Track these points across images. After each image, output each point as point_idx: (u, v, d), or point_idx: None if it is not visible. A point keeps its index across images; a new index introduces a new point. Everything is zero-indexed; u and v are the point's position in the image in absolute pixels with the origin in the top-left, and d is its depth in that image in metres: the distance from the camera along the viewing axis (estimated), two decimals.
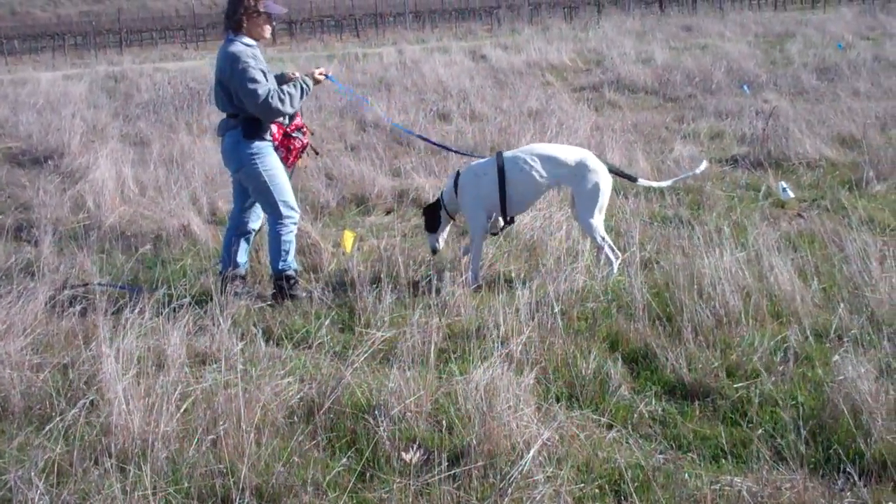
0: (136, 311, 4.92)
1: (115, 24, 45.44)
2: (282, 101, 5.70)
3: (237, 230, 6.30)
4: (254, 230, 6.39)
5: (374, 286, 5.74)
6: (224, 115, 5.97)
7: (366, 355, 4.71)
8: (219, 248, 6.82)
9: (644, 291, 5.31)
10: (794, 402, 4.17)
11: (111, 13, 58.61)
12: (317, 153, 6.75)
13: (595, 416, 4.26)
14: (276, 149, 5.96)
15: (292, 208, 6.02)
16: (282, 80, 6.05)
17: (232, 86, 5.71)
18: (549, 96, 14.47)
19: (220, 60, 5.79)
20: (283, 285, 6.00)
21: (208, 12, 54.33)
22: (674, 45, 22.89)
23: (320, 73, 6.15)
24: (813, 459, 3.78)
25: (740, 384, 4.39)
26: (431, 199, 8.26)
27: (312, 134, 6.41)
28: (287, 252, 6.01)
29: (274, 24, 6.03)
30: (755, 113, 11.54)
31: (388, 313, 5.47)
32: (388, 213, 8.40)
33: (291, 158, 6.10)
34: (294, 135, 6.05)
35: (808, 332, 4.77)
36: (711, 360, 4.61)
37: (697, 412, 4.29)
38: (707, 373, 4.50)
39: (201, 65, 24.32)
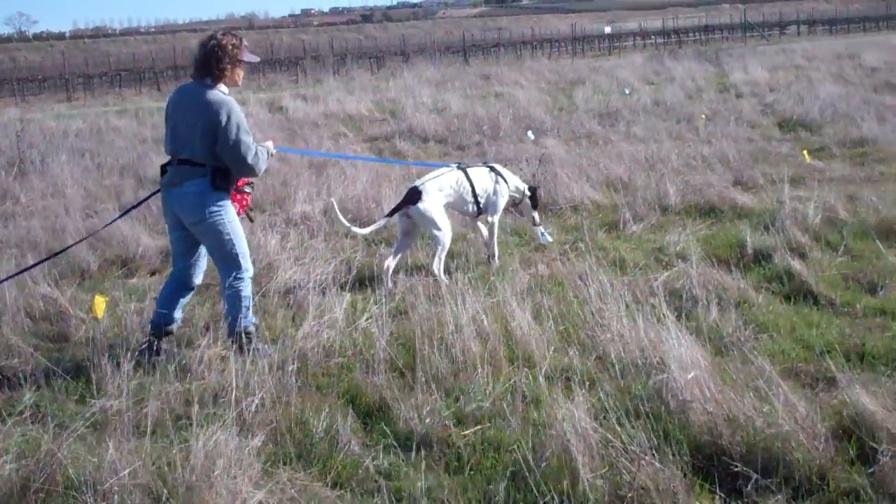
0: None
1: None
2: (262, 160, 5.71)
3: (181, 284, 6.02)
4: (196, 285, 6.14)
5: (117, 353, 5.49)
6: (170, 163, 5.74)
7: (86, 426, 4.48)
8: None
9: (383, 343, 5.30)
10: (515, 446, 4.23)
11: None
12: (252, 210, 6.45)
13: (321, 476, 4.19)
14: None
15: (250, 262, 5.90)
16: None
17: (223, 136, 5.52)
18: (340, 147, 14.53)
19: (203, 106, 5.56)
20: (243, 343, 5.66)
21: (10, 66, 51.64)
22: (470, 94, 23.53)
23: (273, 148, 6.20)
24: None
25: (467, 431, 4.42)
26: None
27: (253, 189, 6.24)
28: (248, 308, 5.82)
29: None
30: (531, 159, 11.92)
31: (126, 381, 5.23)
32: (152, 274, 8.13)
33: (240, 213, 5.97)
34: (245, 189, 5.97)
35: (540, 375, 4.86)
36: (442, 409, 4.63)
37: (424, 463, 4.27)
38: (436, 422, 4.51)
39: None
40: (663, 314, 5.06)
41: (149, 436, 4.40)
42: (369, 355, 5.37)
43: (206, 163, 5.62)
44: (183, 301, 6.12)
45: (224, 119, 5.52)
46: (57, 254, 7.14)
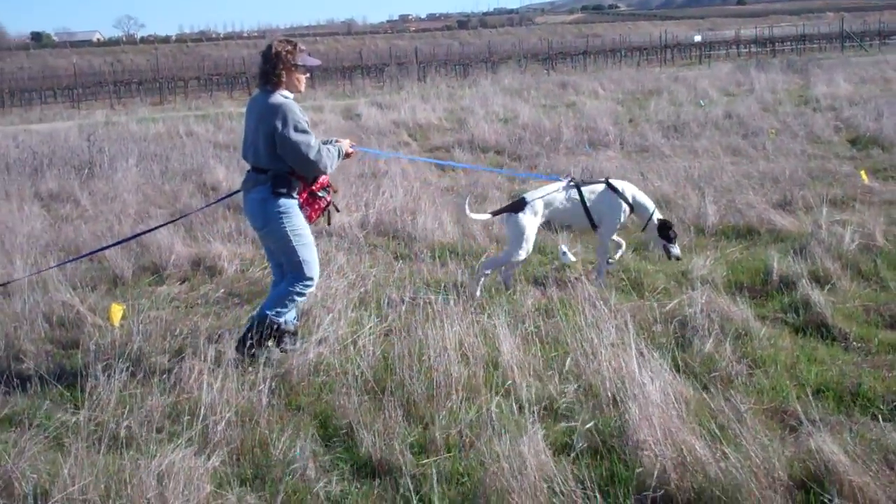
0: None
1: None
2: (328, 156, 5.79)
3: (283, 279, 6.11)
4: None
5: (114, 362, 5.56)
6: (248, 170, 5.91)
7: (57, 437, 4.54)
8: None
9: (363, 364, 5.26)
10: (466, 479, 4.13)
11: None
12: (337, 210, 6.59)
13: (271, 499, 4.16)
14: (301, 207, 5.91)
15: (314, 270, 5.95)
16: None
17: (279, 137, 5.64)
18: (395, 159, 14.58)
19: (262, 113, 5.73)
20: (262, 331, 5.81)
21: (110, 69, 53.47)
22: (544, 103, 23.36)
23: (351, 146, 6.26)
24: None
25: (425, 461, 4.35)
26: (228, 266, 8.22)
27: (336, 192, 6.35)
28: (287, 307, 5.91)
29: (308, 75, 6.06)
30: (584, 170, 11.74)
31: (115, 391, 5.30)
32: (182, 282, 8.26)
33: (315, 217, 6.07)
34: (319, 194, 6.02)
35: (514, 404, 4.74)
36: (407, 435, 4.56)
37: (377, 491, 4.21)
38: (395, 449, 4.44)
39: (71, 125, 23.95)
40: (645, 347, 4.88)
41: (121, 449, 4.43)
42: (350, 376, 5.34)
43: (268, 168, 5.74)
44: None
45: (280, 122, 5.62)
46: (73, 259, 7.29)
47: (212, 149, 16.84)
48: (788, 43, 58.66)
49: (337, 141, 6.16)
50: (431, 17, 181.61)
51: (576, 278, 7.41)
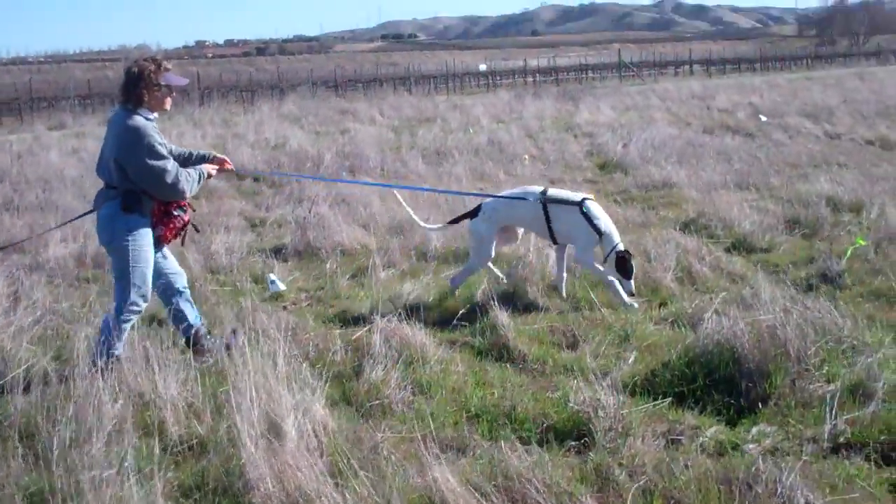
0: None
1: None
2: (188, 181, 5.64)
3: (173, 295, 5.99)
4: (185, 286, 6.07)
5: None
6: (101, 187, 5.74)
7: None
8: None
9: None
10: None
11: None
12: (197, 230, 6.25)
13: None
14: (154, 226, 5.72)
15: (143, 297, 5.74)
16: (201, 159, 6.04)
17: (132, 161, 5.50)
18: None
19: (118, 134, 5.57)
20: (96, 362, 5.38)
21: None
22: (318, 130, 23.24)
23: (228, 165, 6.20)
24: None
25: None
26: None
27: (194, 211, 6.07)
28: (118, 339, 5.65)
29: (174, 95, 5.84)
30: (317, 198, 11.57)
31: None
32: None
33: (169, 236, 5.84)
34: (175, 213, 5.80)
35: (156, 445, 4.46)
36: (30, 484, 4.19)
37: None
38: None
39: None
40: (309, 377, 4.73)
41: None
42: None
43: (118, 185, 5.60)
44: (189, 305, 6.08)
45: (135, 147, 5.49)
46: None
47: None
48: (572, 72, 61.16)
49: (212, 158, 6.08)
50: (230, 44, 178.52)
51: (284, 307, 7.23)
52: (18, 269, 8.47)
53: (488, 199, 7.48)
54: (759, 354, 5.00)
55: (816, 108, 22.92)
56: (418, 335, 5.84)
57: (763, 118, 20.34)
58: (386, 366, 5.33)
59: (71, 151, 19.79)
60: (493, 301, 6.49)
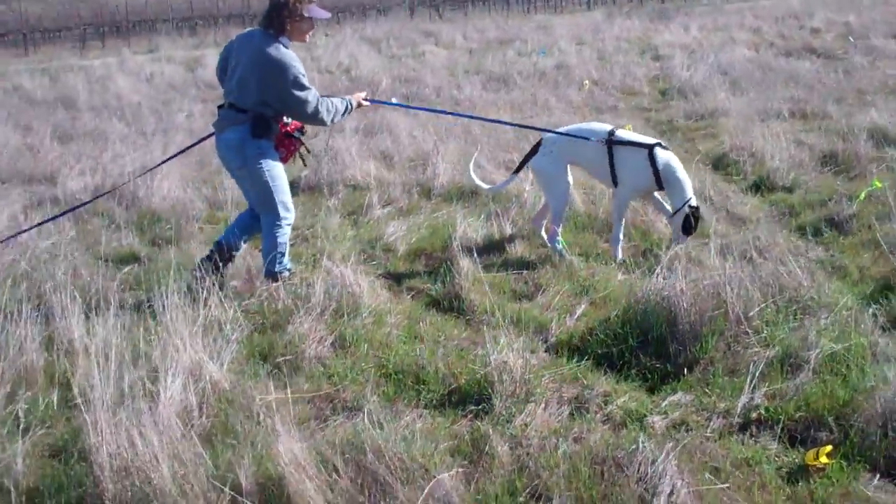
0: None
1: None
2: (328, 112, 5.78)
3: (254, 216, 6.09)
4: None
5: None
6: (225, 106, 5.84)
7: None
8: None
9: None
10: None
11: None
12: (309, 152, 6.45)
13: None
14: (276, 148, 5.89)
15: (289, 210, 5.96)
16: None
17: (276, 89, 5.64)
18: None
19: (261, 61, 5.66)
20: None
21: None
22: (394, 53, 22.91)
23: (365, 99, 6.29)
24: None
25: None
26: None
27: (305, 134, 6.20)
28: (283, 254, 5.93)
29: (315, 28, 5.99)
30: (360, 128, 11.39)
31: None
32: None
33: (288, 157, 6.06)
34: (294, 135, 6.02)
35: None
36: None
37: None
38: None
39: None
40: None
41: None
42: None
43: (249, 109, 5.68)
44: (247, 236, 6.19)
45: (281, 77, 5.60)
46: None
47: None
48: None
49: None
50: None
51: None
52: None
53: (549, 134, 6.87)
54: (695, 315, 4.64)
55: None
56: (363, 283, 5.62)
57: (851, 39, 18.97)
58: (314, 317, 5.17)
59: (145, 78, 20.04)
60: (456, 244, 6.21)
